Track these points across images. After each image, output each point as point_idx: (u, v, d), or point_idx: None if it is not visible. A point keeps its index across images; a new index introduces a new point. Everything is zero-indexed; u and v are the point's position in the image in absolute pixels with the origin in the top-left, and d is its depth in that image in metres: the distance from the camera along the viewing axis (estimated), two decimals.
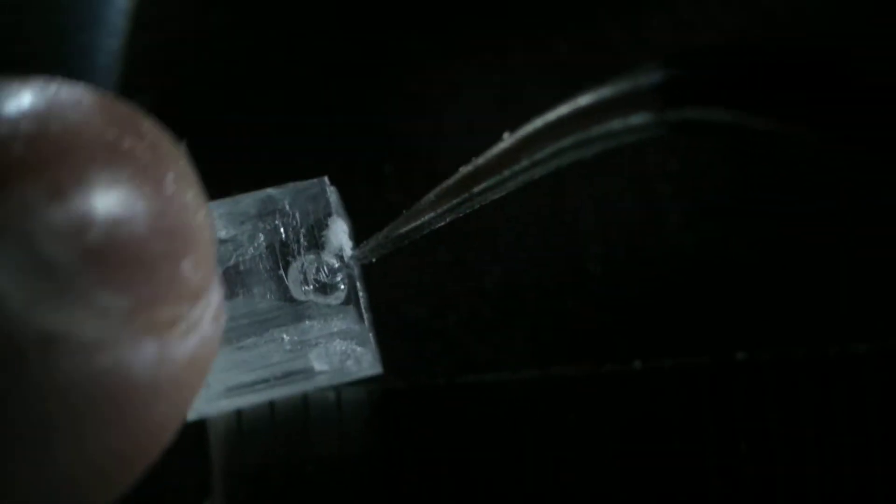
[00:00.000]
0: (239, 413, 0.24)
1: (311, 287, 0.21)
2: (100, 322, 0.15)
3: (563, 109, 0.17)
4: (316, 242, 0.21)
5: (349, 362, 0.23)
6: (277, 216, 0.21)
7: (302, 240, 0.21)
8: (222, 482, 0.24)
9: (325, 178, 0.22)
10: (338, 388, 0.24)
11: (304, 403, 0.24)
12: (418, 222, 0.21)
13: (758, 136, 0.14)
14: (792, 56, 0.14)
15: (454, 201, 0.20)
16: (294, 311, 0.21)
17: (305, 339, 0.21)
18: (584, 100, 0.16)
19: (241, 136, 0.27)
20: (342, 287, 0.21)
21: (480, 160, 0.19)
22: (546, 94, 0.22)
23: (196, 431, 0.24)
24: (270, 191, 0.22)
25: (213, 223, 0.18)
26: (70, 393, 0.15)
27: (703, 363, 0.23)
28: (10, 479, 0.15)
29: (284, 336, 0.21)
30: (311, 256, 0.21)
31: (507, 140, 0.18)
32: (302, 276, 0.21)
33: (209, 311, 0.17)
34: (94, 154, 0.16)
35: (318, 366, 0.23)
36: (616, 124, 0.16)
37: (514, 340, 0.25)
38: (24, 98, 0.16)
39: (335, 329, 0.21)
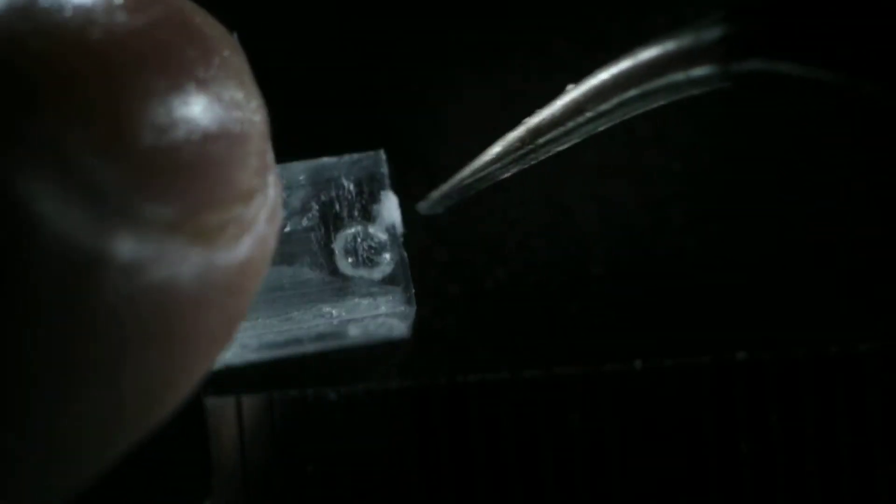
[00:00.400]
0: (239, 413, 0.24)
1: (359, 261, 0.21)
2: (144, 237, 0.14)
3: (626, 62, 0.17)
4: (367, 216, 0.21)
5: (382, 330, 0.23)
6: (332, 187, 0.21)
7: (356, 213, 0.21)
8: (222, 482, 0.24)
9: (382, 151, 0.22)
10: (338, 388, 0.24)
11: (304, 403, 0.24)
12: (483, 173, 0.21)
13: (822, 89, 0.14)
14: (861, 9, 0.14)
15: (519, 153, 0.20)
16: (342, 286, 0.21)
17: (352, 317, 0.21)
18: (647, 52, 0.16)
19: None
20: (388, 261, 0.21)
21: (545, 112, 0.19)
22: (546, 94, 0.22)
23: (196, 431, 0.24)
24: (325, 160, 0.21)
25: (266, 115, 0.17)
26: (115, 315, 0.14)
27: (703, 363, 0.23)
28: (61, 407, 0.14)
29: (333, 312, 0.21)
30: (360, 229, 0.21)
31: (572, 92, 0.18)
32: (351, 249, 0.21)
33: (264, 209, 0.16)
34: (137, 58, 0.15)
35: (352, 332, 0.23)
36: (679, 77, 0.16)
37: (515, 340, 0.25)
38: (62, 3, 0.15)
39: (382, 310, 0.21)
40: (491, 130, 0.21)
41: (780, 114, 0.26)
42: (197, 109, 0.15)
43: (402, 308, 0.21)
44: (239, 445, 0.24)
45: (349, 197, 0.21)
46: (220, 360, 0.23)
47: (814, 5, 0.14)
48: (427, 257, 0.26)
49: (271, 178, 0.17)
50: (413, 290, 0.21)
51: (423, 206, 0.21)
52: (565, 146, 0.19)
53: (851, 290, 0.25)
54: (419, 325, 0.26)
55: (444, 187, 0.21)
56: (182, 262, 0.15)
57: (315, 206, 0.21)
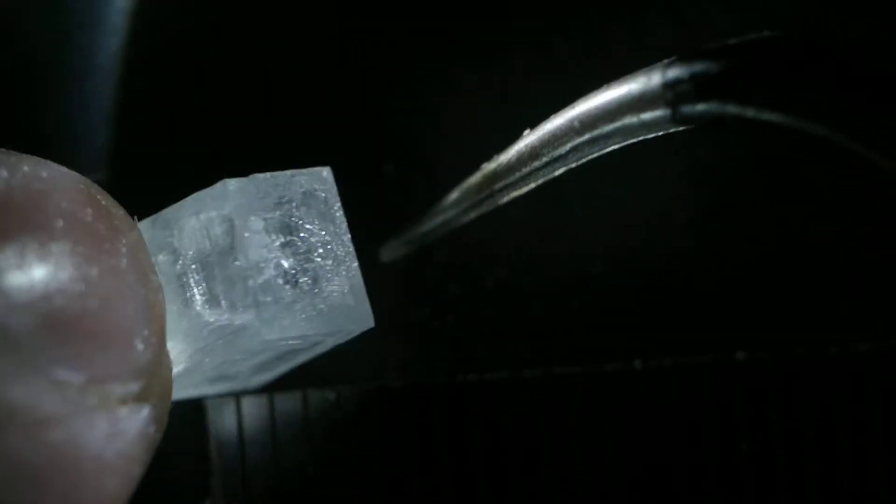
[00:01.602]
0: (239, 413, 0.24)
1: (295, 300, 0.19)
2: (56, 396, 0.15)
3: (580, 106, 0.17)
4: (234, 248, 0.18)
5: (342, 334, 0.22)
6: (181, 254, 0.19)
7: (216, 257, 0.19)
8: (222, 482, 0.24)
9: (225, 181, 0.19)
10: (338, 388, 0.24)
11: (304, 403, 0.24)
12: (441, 220, 0.21)
13: (771, 131, 0.14)
14: (805, 50, 0.14)
15: (476, 198, 0.20)
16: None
17: (318, 348, 0.21)
18: (599, 97, 0.17)
19: (241, 135, 0.27)
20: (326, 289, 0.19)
21: (502, 158, 0.19)
22: (546, 95, 0.22)
23: (196, 431, 0.24)
24: (167, 212, 0.19)
25: (163, 296, 0.18)
26: (23, 468, 0.15)
27: (703, 363, 0.23)
28: None
29: (302, 357, 0.20)
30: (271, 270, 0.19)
31: (527, 137, 0.18)
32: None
33: (161, 385, 0.17)
34: (55, 225, 0.16)
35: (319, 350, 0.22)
36: (632, 120, 0.16)
37: (515, 340, 0.25)
38: None
39: (347, 335, 0.20)
40: (491, 131, 0.21)
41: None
42: (105, 280, 0.16)
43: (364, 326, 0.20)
44: (239, 445, 0.24)
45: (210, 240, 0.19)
46: (185, 392, 0.23)
47: (763, 49, 0.14)
48: (427, 257, 0.26)
49: (166, 355, 0.18)
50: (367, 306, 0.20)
51: (384, 254, 0.21)
52: (522, 191, 0.19)
53: (851, 290, 0.25)
54: (419, 325, 0.26)
55: (402, 236, 0.21)
56: (88, 426, 0.15)
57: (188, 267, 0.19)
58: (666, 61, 0.15)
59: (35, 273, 0.15)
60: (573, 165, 0.18)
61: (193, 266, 0.19)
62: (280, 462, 0.24)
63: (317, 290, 0.19)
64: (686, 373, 0.23)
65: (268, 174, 0.20)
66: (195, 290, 0.19)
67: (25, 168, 0.16)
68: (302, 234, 0.19)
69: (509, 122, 0.20)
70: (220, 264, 0.18)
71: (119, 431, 0.16)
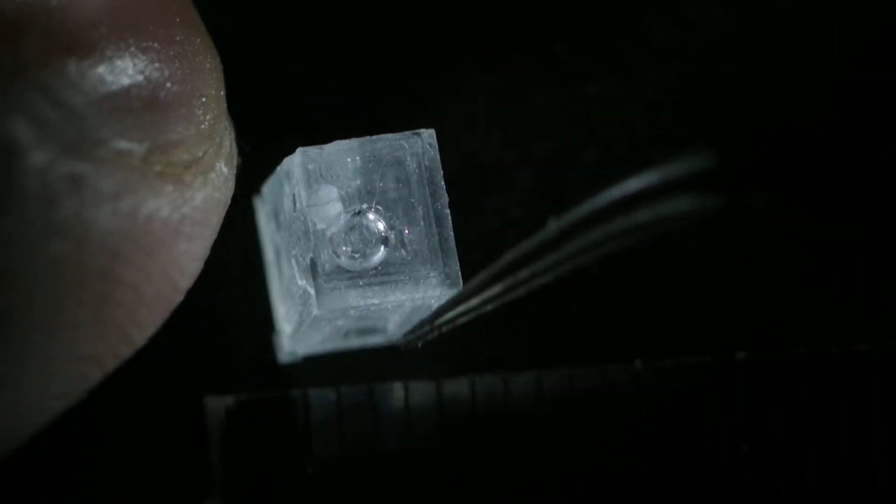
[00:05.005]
0: (239, 413, 0.24)
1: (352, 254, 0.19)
2: (120, 167, 0.16)
3: (610, 195, 0.17)
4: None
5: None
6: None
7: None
8: (222, 482, 0.24)
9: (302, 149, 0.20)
10: (338, 388, 0.24)
11: (304, 403, 0.24)
12: (464, 307, 0.20)
13: (807, 223, 0.14)
14: (841, 145, 0.14)
15: (500, 288, 0.19)
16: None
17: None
18: (630, 185, 0.16)
19: (240, 135, 0.27)
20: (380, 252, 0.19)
21: (527, 246, 0.19)
22: (546, 95, 0.22)
23: (196, 431, 0.24)
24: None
25: (220, 67, 0.18)
26: (97, 238, 0.15)
27: (703, 363, 0.23)
28: (42, 324, 0.15)
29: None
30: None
31: (554, 226, 0.18)
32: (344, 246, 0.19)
33: (222, 152, 0.18)
34: (106, 5, 0.16)
35: (391, 327, 0.22)
36: (663, 210, 0.16)
37: (515, 340, 0.25)
38: None
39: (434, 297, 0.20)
40: (491, 131, 0.21)
41: (779, 112, 0.26)
42: (159, 53, 0.17)
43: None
44: (239, 445, 0.24)
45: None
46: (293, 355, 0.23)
47: (798, 141, 0.14)
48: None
49: (225, 125, 0.18)
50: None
51: (402, 342, 0.21)
52: (549, 280, 0.19)
53: (851, 290, 0.25)
54: (419, 326, 0.26)
55: (424, 323, 0.21)
56: (155, 193, 0.16)
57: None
58: (701, 151, 0.15)
59: (90, 53, 0.16)
60: (598, 255, 0.18)
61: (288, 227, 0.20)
62: (280, 462, 0.24)
63: (385, 260, 0.19)
64: (686, 373, 0.23)
65: (354, 140, 0.20)
66: (293, 252, 0.20)
67: None
68: (378, 203, 0.19)
69: (509, 122, 0.20)
70: (296, 232, 0.19)
71: (185, 198, 0.17)
